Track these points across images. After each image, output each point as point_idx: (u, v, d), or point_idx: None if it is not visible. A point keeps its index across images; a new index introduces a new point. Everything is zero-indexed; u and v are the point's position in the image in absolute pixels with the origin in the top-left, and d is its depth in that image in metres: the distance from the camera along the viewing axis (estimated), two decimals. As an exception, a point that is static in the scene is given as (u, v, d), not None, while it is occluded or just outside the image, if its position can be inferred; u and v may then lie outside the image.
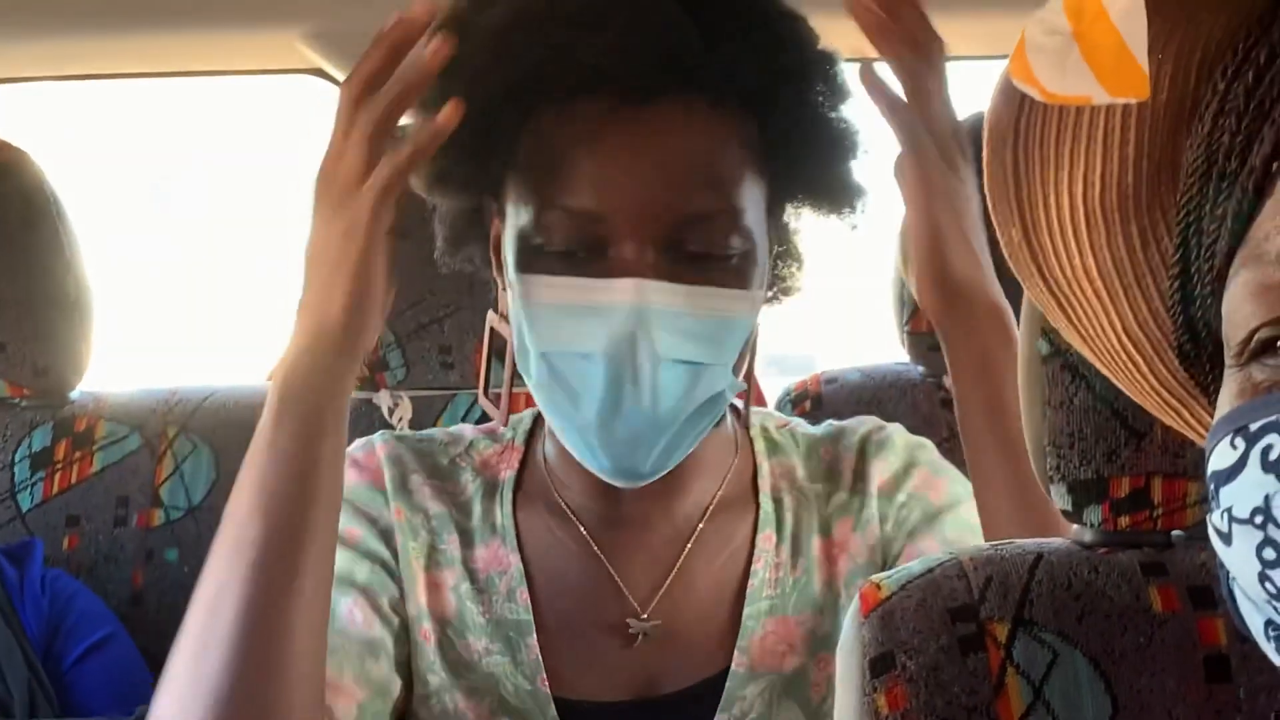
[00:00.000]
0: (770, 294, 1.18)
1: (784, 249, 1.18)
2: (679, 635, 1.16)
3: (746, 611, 1.16)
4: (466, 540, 1.18)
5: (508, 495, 1.19)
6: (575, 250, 1.03)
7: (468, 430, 1.26)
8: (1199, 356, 0.63)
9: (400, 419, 1.60)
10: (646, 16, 1.01)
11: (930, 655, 0.82)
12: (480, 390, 1.21)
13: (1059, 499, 0.87)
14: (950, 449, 1.56)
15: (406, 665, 1.15)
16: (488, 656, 1.15)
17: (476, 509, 1.19)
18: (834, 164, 1.13)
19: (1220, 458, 0.58)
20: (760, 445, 1.24)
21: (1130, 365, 0.67)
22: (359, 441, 1.22)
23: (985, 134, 0.65)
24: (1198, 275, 0.60)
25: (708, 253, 1.03)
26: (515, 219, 1.06)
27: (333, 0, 1.91)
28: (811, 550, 1.19)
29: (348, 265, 1.00)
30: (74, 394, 1.64)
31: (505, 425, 1.21)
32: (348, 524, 1.14)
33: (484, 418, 1.59)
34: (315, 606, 0.99)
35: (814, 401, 1.62)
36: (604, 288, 1.01)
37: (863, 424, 1.27)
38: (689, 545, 1.18)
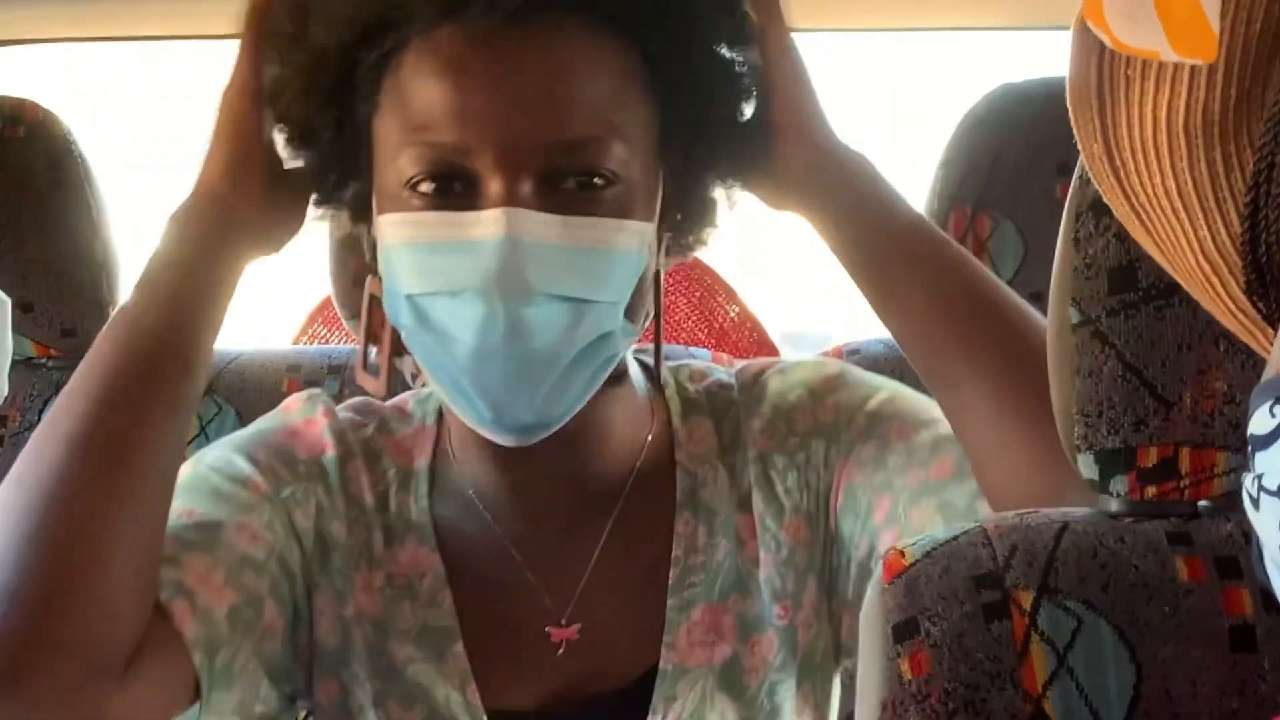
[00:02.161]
0: (668, 242, 1.10)
1: (687, 196, 1.09)
2: (603, 638, 1.10)
3: (670, 603, 1.09)
4: (388, 538, 1.11)
5: (422, 487, 1.12)
6: (445, 188, 0.97)
7: (376, 406, 1.18)
8: (1265, 295, 0.63)
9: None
10: None
11: (954, 622, 0.82)
12: (359, 365, 1.14)
13: (1086, 468, 0.87)
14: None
15: (305, 645, 1.10)
16: (412, 665, 1.09)
17: (393, 502, 1.12)
18: (723, 105, 1.07)
19: (1260, 422, 0.58)
20: (676, 406, 1.15)
21: (1207, 284, 0.67)
22: (296, 401, 1.17)
23: (1070, 52, 0.65)
24: (1265, 220, 0.60)
25: (586, 179, 0.97)
26: (380, 164, 1.01)
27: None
28: (733, 528, 1.12)
29: (219, 128, 1.06)
30: (100, 355, 1.65)
31: (385, 395, 1.14)
32: (254, 475, 1.08)
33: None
34: (138, 500, 0.95)
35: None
36: (471, 221, 0.96)
37: (755, 370, 1.18)
38: (604, 536, 1.11)
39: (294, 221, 1.12)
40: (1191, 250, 0.65)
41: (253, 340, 1.77)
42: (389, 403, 1.20)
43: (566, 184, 0.97)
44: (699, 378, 1.18)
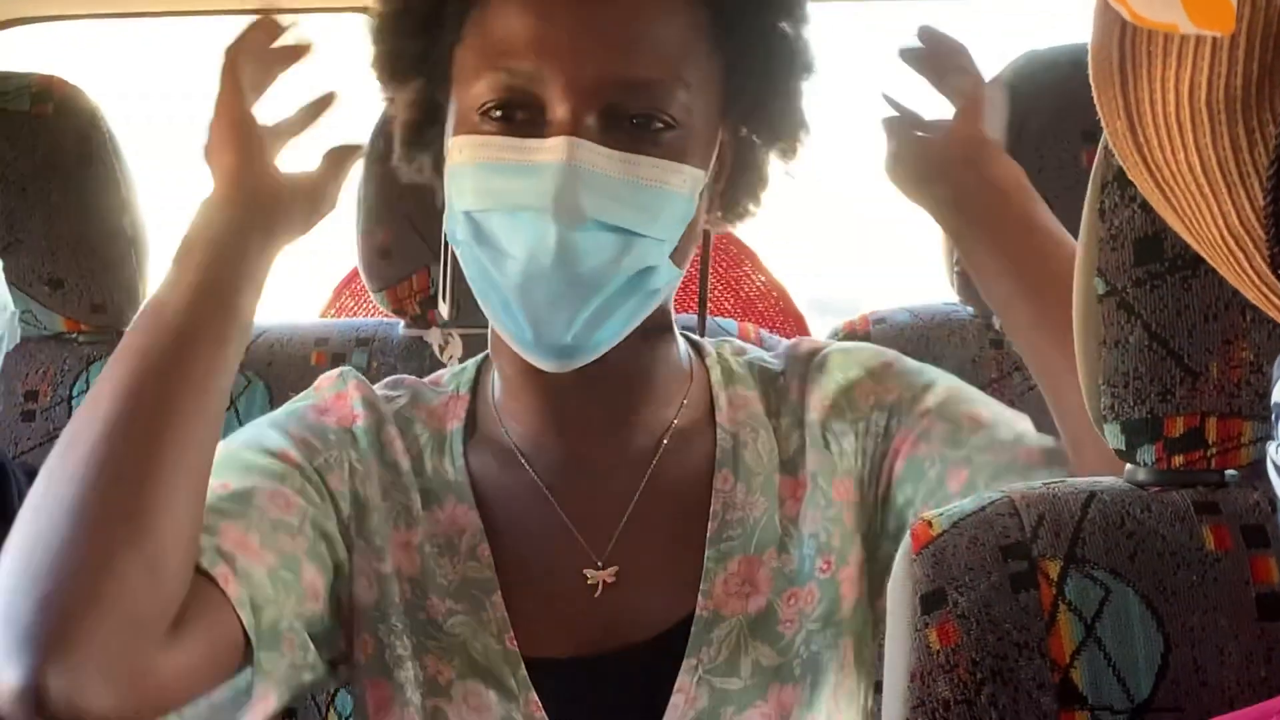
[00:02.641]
0: (719, 211, 1.17)
1: (742, 163, 1.16)
2: (638, 583, 1.13)
3: (708, 554, 1.13)
4: (426, 500, 1.15)
5: (458, 448, 1.17)
6: (513, 112, 1.03)
7: (409, 381, 1.23)
8: None
9: (451, 356, 1.60)
10: None
11: (982, 592, 0.82)
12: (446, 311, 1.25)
13: (1112, 438, 0.87)
14: (999, 390, 1.56)
15: (345, 606, 1.12)
16: (452, 617, 1.12)
17: (428, 466, 1.16)
18: (781, 75, 1.12)
19: None
20: (717, 374, 1.20)
21: (1231, 259, 0.67)
22: (327, 379, 1.20)
23: (1092, 28, 0.65)
24: None
25: (647, 121, 1.03)
26: (459, 92, 1.07)
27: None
28: (774, 487, 1.16)
29: (219, 116, 1.11)
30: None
31: (449, 315, 1.25)
32: (286, 446, 1.11)
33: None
34: (179, 469, 0.97)
35: (862, 341, 1.61)
36: (535, 147, 1.01)
37: (808, 347, 1.23)
38: (644, 482, 1.15)
39: (323, 204, 1.18)
40: (1216, 225, 0.65)
41: (281, 314, 1.77)
42: (426, 378, 1.24)
43: (629, 122, 1.02)
44: (739, 352, 1.23)
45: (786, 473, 1.17)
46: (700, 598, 1.12)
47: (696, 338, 1.24)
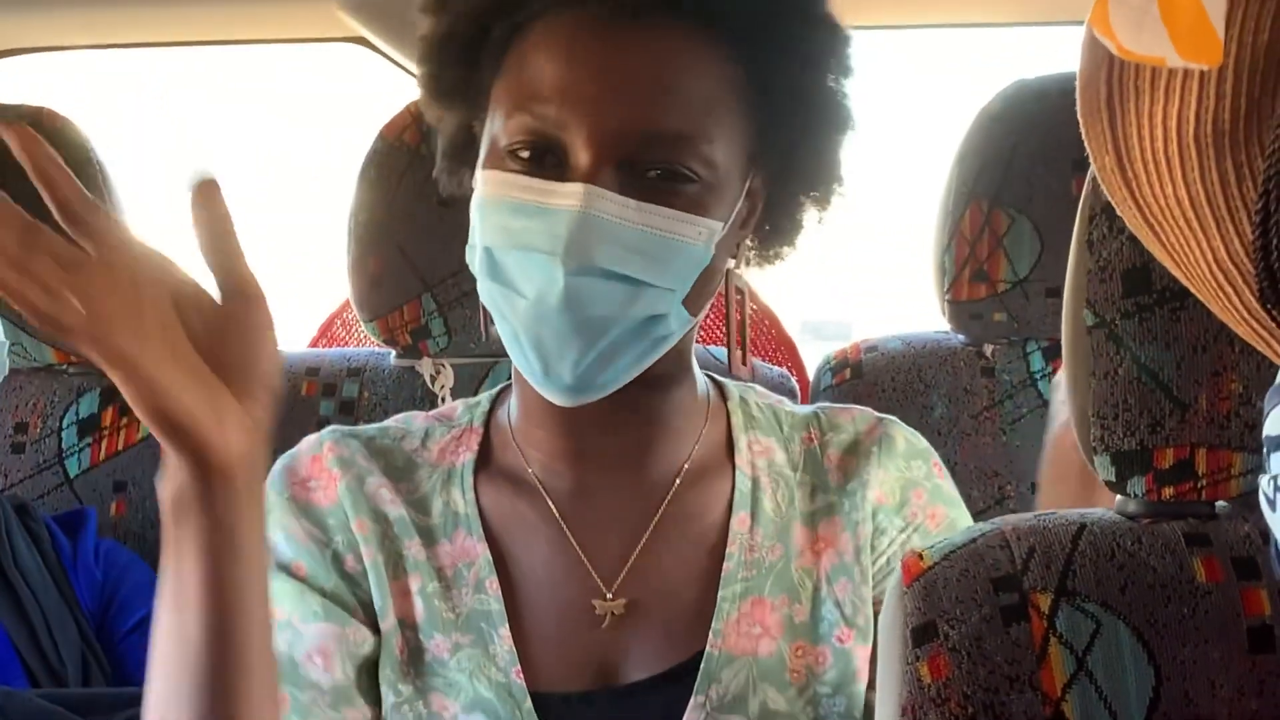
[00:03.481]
0: (750, 252, 1.16)
1: (777, 210, 1.15)
2: (648, 616, 1.13)
3: (722, 594, 1.12)
4: (428, 539, 1.15)
5: (468, 480, 1.17)
6: (539, 155, 1.03)
7: (419, 419, 1.23)
8: (1278, 302, 0.63)
9: (442, 386, 1.60)
10: None
11: (973, 625, 0.82)
12: (482, 323, 1.16)
13: (1103, 470, 0.87)
14: (989, 418, 1.56)
15: (376, 682, 1.13)
16: (459, 652, 1.12)
17: (436, 503, 1.16)
18: (818, 131, 1.11)
19: (1275, 423, 0.58)
20: (738, 418, 1.21)
21: (1220, 293, 0.67)
22: (306, 443, 1.19)
23: (1080, 62, 0.65)
24: (1275, 230, 0.60)
25: (667, 174, 1.02)
26: (490, 126, 1.07)
27: (374, -32, 1.91)
28: (791, 537, 1.16)
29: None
30: (120, 361, 1.66)
31: (487, 338, 1.18)
32: (296, 556, 1.13)
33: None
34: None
35: (854, 370, 1.61)
36: (554, 190, 1.01)
37: (855, 418, 1.23)
38: (657, 517, 1.15)
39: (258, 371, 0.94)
40: (1204, 259, 0.65)
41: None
42: (436, 410, 1.24)
43: (649, 173, 1.02)
44: (763, 398, 1.24)
45: (807, 525, 1.17)
46: (711, 635, 1.11)
47: (720, 378, 1.24)
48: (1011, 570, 0.84)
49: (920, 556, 0.86)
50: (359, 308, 1.57)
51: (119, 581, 1.41)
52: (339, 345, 2.26)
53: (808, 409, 1.24)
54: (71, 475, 1.58)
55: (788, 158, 1.11)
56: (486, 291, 1.07)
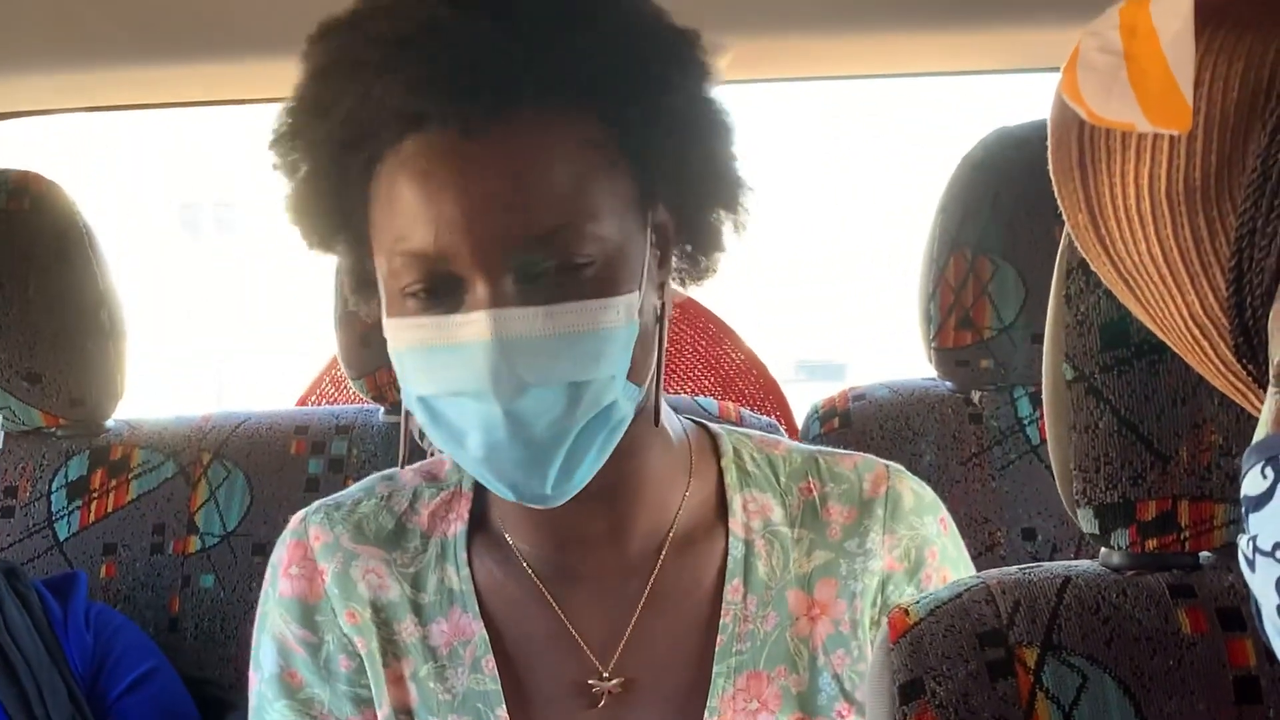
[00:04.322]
0: (682, 273, 1.13)
1: (690, 228, 1.10)
2: (645, 694, 1.11)
3: (717, 669, 1.11)
4: (423, 617, 1.14)
5: (461, 555, 1.15)
6: (434, 290, 1.00)
7: (408, 476, 1.20)
8: (1254, 356, 0.63)
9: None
10: (449, 44, 0.97)
11: (959, 681, 0.82)
12: (400, 466, 1.18)
13: (1086, 523, 0.87)
14: (977, 464, 1.56)
15: None
16: None
17: (431, 579, 1.15)
18: (698, 144, 1.07)
19: (1252, 483, 0.58)
20: (731, 476, 1.17)
21: (1196, 347, 0.67)
22: (290, 531, 1.19)
23: (1050, 120, 0.66)
24: (1249, 286, 0.61)
25: (564, 267, 0.99)
26: (379, 268, 1.04)
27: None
28: (786, 603, 1.13)
29: None
30: (109, 423, 1.66)
31: (402, 467, 1.18)
32: (289, 665, 1.14)
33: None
34: None
35: (842, 418, 1.62)
36: (460, 323, 0.99)
37: (858, 466, 1.19)
38: (647, 591, 1.13)
39: None
40: (1180, 315, 0.66)
41: (260, 402, 1.77)
42: (423, 465, 1.22)
43: (546, 273, 0.99)
44: (767, 447, 1.20)
45: (802, 588, 1.14)
46: (707, 713, 1.10)
47: (714, 428, 1.21)
48: (997, 625, 0.84)
49: (906, 612, 0.86)
50: (346, 365, 1.58)
51: (110, 645, 1.40)
52: (328, 403, 2.26)
53: (807, 451, 1.20)
54: (61, 538, 1.58)
55: (679, 181, 1.07)
56: (435, 437, 1.05)
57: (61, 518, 1.59)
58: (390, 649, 1.13)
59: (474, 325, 0.98)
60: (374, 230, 1.03)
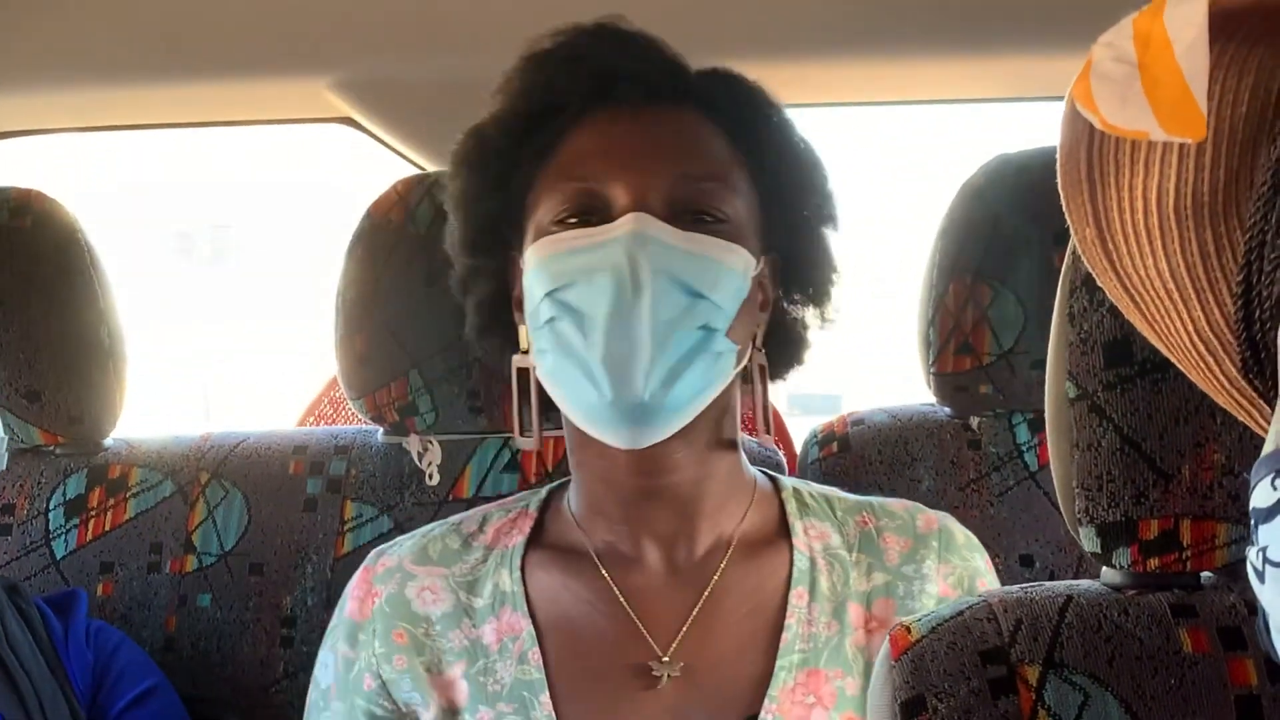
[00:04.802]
0: (796, 303, 1.28)
1: (778, 314, 1.27)
2: (703, 680, 1.18)
3: (780, 662, 1.17)
4: (476, 619, 1.24)
5: (516, 561, 1.25)
6: (586, 215, 1.15)
7: (490, 507, 1.32)
8: (1261, 372, 0.64)
9: (430, 463, 1.60)
10: (645, 46, 1.22)
11: (961, 698, 0.82)
12: (516, 430, 1.26)
13: (1088, 541, 0.87)
14: (976, 490, 1.56)
15: None
16: (502, 719, 1.19)
17: (487, 585, 1.25)
18: (809, 223, 1.25)
19: (1261, 495, 0.58)
20: (792, 506, 1.27)
21: (1201, 364, 0.68)
22: (366, 559, 1.30)
23: (1061, 136, 0.66)
24: (1258, 300, 0.61)
25: (702, 213, 1.15)
26: (535, 215, 1.19)
27: (361, 49, 1.93)
28: (847, 615, 1.21)
29: None
30: (107, 441, 1.65)
31: (538, 446, 1.28)
32: (332, 679, 1.26)
33: (511, 463, 1.59)
34: None
35: (840, 443, 1.62)
36: (604, 230, 1.13)
37: (909, 508, 1.29)
38: (710, 588, 1.21)
39: None
40: (1185, 331, 0.66)
41: (259, 422, 1.77)
42: (501, 501, 1.34)
43: (686, 214, 1.14)
44: (822, 490, 1.32)
45: (862, 604, 1.22)
46: (767, 700, 1.16)
47: (774, 474, 1.32)
48: (999, 643, 0.84)
49: (908, 630, 0.86)
50: (346, 385, 1.58)
51: (110, 662, 1.40)
52: (327, 424, 2.26)
53: (858, 498, 1.30)
54: (58, 556, 1.58)
55: (787, 249, 1.24)
56: (552, 337, 1.15)
57: (59, 536, 1.59)
58: (441, 657, 1.23)
59: (620, 225, 1.12)
60: (545, 176, 1.19)
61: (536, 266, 1.16)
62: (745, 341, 1.19)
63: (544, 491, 1.32)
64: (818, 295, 1.28)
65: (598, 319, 1.11)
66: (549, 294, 1.14)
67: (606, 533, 1.23)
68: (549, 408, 1.22)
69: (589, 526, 1.25)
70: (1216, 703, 0.82)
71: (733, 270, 1.14)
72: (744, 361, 1.20)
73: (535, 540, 1.27)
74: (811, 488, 1.31)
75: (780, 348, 1.28)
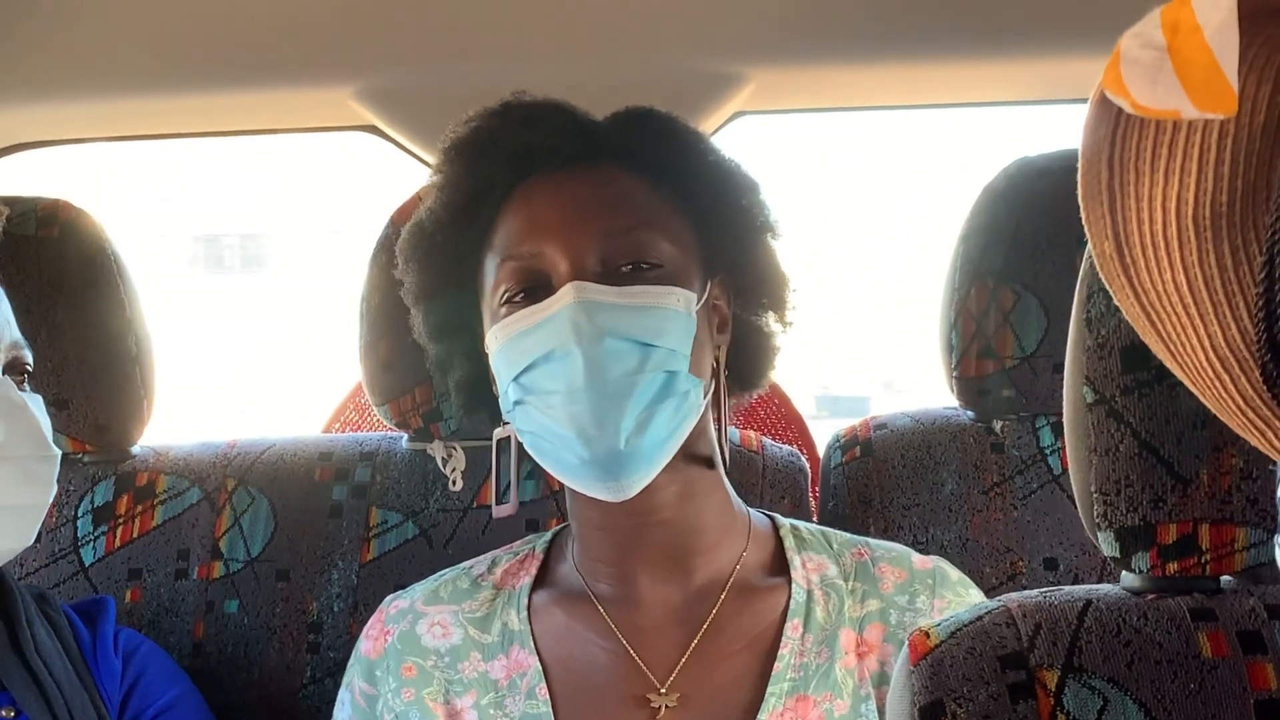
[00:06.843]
0: (732, 383, 1.31)
1: (745, 332, 1.32)
2: (698, 708, 1.22)
3: (771, 689, 1.21)
4: (486, 654, 1.29)
5: (523, 601, 1.30)
6: (531, 289, 1.19)
7: (499, 551, 1.38)
8: None
9: (454, 470, 1.61)
10: (554, 115, 1.28)
11: (980, 703, 0.82)
12: (494, 499, 1.33)
13: (1106, 546, 0.87)
14: (999, 494, 1.56)
15: None
16: None
17: (495, 624, 1.30)
18: (746, 239, 1.30)
19: None
20: (790, 541, 1.32)
21: (1216, 382, 0.68)
22: (386, 600, 1.36)
23: (1081, 148, 0.66)
24: (1279, 309, 0.61)
25: (636, 265, 1.19)
26: (486, 299, 1.25)
27: (385, 57, 1.94)
28: (838, 640, 1.24)
29: None
30: (135, 449, 1.67)
31: (513, 510, 1.31)
32: (355, 714, 1.31)
33: (534, 469, 1.60)
34: None
35: (863, 447, 1.62)
36: (548, 303, 1.17)
37: (908, 550, 1.32)
38: (707, 623, 1.25)
39: None
40: (1201, 347, 0.66)
41: (285, 429, 1.78)
42: (510, 546, 1.39)
43: (621, 269, 1.19)
44: (817, 528, 1.36)
45: (854, 628, 1.25)
46: None
47: (773, 515, 1.36)
48: (1018, 647, 0.84)
49: (927, 635, 0.87)
50: (370, 392, 1.58)
51: (138, 669, 1.41)
52: (352, 430, 2.27)
53: (854, 536, 1.35)
54: (86, 564, 1.59)
55: (733, 267, 1.30)
56: (525, 417, 1.20)
57: (87, 543, 1.60)
58: (451, 689, 1.28)
59: (561, 297, 1.16)
60: (484, 273, 1.25)
61: (497, 354, 1.22)
62: (707, 371, 1.24)
63: (549, 535, 1.37)
64: (774, 303, 1.33)
65: (560, 394, 1.16)
66: (515, 379, 1.20)
67: (604, 576, 1.28)
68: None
69: (587, 570, 1.29)
70: (1236, 707, 0.82)
71: (676, 311, 1.19)
72: (711, 389, 1.24)
73: (541, 581, 1.32)
74: (809, 526, 1.35)
75: (749, 360, 1.33)
